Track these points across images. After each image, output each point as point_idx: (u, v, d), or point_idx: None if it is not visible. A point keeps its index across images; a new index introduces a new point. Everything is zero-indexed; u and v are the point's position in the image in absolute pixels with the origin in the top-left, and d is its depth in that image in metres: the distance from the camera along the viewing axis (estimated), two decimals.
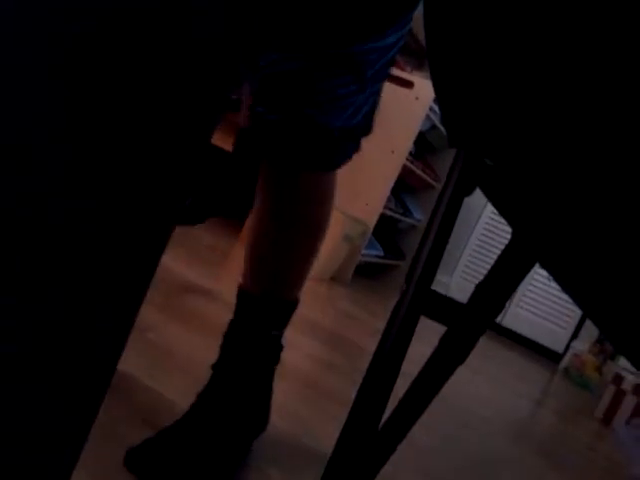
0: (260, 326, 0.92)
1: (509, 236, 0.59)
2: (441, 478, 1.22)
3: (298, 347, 1.61)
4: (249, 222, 1.00)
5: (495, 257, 0.51)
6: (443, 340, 0.45)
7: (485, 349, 2.99)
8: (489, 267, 0.50)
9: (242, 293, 0.93)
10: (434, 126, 3.13)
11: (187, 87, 0.35)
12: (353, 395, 1.52)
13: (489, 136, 0.54)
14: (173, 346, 1.23)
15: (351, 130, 0.86)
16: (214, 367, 0.91)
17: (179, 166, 0.37)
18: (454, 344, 0.44)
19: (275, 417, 1.12)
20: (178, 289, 1.62)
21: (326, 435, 1.15)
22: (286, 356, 1.47)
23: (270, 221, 0.93)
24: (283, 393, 1.25)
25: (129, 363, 1.04)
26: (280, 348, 0.96)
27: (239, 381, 0.89)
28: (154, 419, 0.92)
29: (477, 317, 0.42)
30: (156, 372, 1.08)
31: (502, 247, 0.53)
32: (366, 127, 0.90)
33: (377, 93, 0.88)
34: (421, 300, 0.43)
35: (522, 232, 0.46)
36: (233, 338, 0.92)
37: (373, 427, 0.42)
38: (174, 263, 1.80)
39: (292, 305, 0.96)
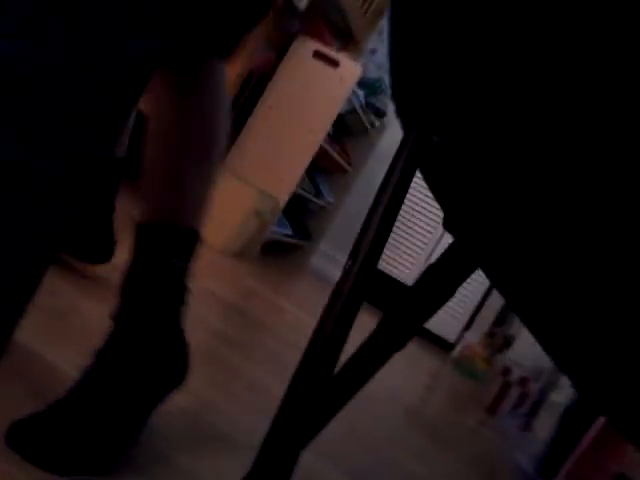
0: (160, 254, 0.83)
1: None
2: (334, 457, 1.22)
3: (199, 321, 1.55)
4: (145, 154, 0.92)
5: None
6: (382, 323, 0.42)
7: None
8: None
9: (138, 227, 0.84)
10: (354, 109, 3.12)
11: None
12: (255, 374, 1.48)
13: (442, 110, 0.52)
14: (68, 311, 1.15)
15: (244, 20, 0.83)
16: (114, 318, 0.82)
17: None
18: (394, 328, 0.41)
19: (175, 394, 1.07)
20: None
21: (228, 414, 1.11)
22: (188, 329, 1.41)
23: (163, 141, 0.85)
24: None
25: (20, 329, 0.96)
26: (184, 287, 0.86)
27: (143, 328, 0.81)
28: (47, 391, 0.84)
29: (424, 301, 0.39)
30: (49, 340, 0.99)
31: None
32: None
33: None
34: (366, 279, 0.40)
35: (460, 231, 0.44)
36: (133, 277, 0.83)
37: (306, 416, 0.38)
38: None
39: (192, 234, 0.86)
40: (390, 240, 3.97)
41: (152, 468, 0.81)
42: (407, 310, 0.39)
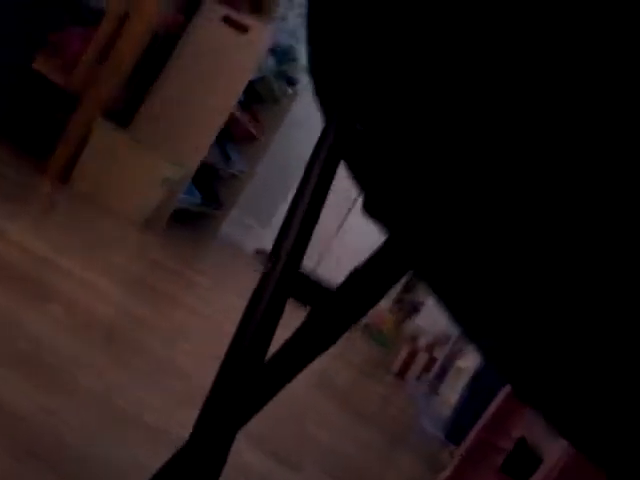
0: None
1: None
2: (246, 432, 1.21)
3: (105, 297, 1.49)
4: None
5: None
6: (305, 325, 0.40)
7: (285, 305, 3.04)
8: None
9: None
10: (265, 77, 3.05)
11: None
12: (165, 352, 1.44)
13: (365, 94, 0.50)
14: None
15: None
16: None
17: None
18: (317, 331, 0.39)
19: (80, 376, 1.02)
20: None
21: (137, 396, 1.07)
22: (91, 306, 1.35)
23: None
24: (88, 347, 1.15)
25: None
26: None
27: None
28: None
29: (347, 307, 0.37)
30: None
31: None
32: None
33: None
34: (288, 281, 0.37)
35: (391, 226, 0.43)
36: None
37: (229, 421, 0.36)
38: None
39: None
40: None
41: (62, 460, 0.77)
42: (331, 316, 0.37)
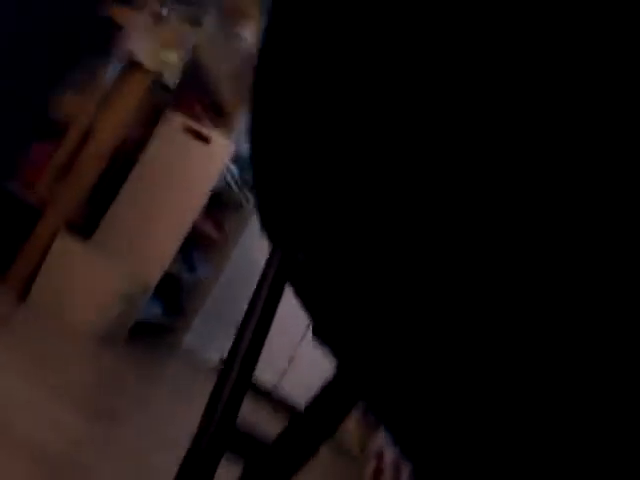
0: None
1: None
2: None
3: (54, 420, 1.41)
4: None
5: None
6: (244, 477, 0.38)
7: (260, 415, 2.95)
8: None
9: None
10: (228, 185, 3.11)
11: None
12: (110, 476, 1.35)
13: (305, 227, 0.50)
14: None
15: None
16: None
17: None
18: None
19: None
20: None
21: None
22: (36, 431, 1.28)
23: None
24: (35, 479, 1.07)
25: None
26: None
27: None
28: None
29: (284, 460, 0.35)
30: None
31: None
32: None
33: None
34: (225, 435, 0.35)
35: (339, 358, 0.42)
36: None
37: None
38: None
39: None
40: None
41: None
42: (268, 470, 0.35)
